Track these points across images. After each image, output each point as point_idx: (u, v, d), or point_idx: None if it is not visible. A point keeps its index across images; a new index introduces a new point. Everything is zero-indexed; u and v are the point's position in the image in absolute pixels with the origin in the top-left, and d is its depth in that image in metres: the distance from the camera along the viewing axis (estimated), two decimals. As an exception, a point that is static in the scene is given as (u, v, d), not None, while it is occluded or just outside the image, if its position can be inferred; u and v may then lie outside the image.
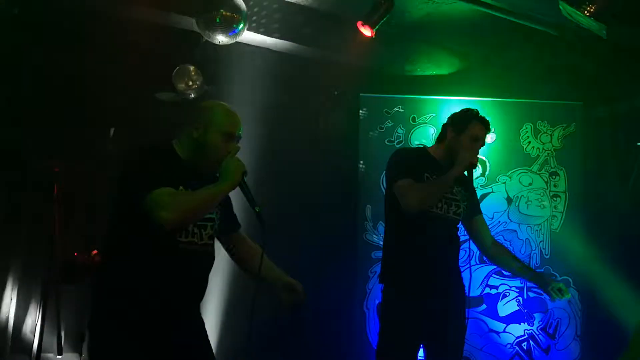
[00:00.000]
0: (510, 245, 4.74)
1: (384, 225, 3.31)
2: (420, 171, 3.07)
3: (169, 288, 2.28)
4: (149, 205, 2.17)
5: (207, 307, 4.71)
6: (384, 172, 3.34)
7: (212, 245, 2.46)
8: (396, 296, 3.03)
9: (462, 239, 4.75)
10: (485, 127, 3.17)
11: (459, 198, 3.15)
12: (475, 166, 3.12)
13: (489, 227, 4.74)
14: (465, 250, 4.75)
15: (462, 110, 3.23)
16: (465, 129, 3.13)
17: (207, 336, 2.48)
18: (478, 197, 3.57)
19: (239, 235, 2.70)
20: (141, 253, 2.28)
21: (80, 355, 4.65)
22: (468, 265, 4.68)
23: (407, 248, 3.06)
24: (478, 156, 3.19)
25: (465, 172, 3.13)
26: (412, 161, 3.14)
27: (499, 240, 4.91)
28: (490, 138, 4.88)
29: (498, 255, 3.40)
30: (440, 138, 3.26)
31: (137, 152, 2.37)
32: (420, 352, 3.07)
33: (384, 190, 3.42)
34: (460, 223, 3.23)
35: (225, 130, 2.38)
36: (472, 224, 3.32)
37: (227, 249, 2.71)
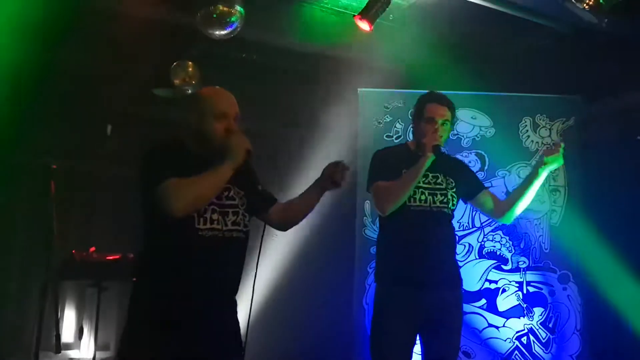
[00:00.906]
0: (509, 239, 4.74)
1: (383, 221, 3.28)
2: (398, 169, 2.99)
3: (193, 278, 2.27)
4: (156, 199, 2.21)
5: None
6: None
7: (241, 230, 2.38)
8: (389, 291, 2.99)
9: (463, 231, 4.88)
10: (440, 104, 3.03)
11: (445, 186, 3.05)
12: (438, 147, 2.94)
13: (489, 221, 4.79)
14: (465, 245, 4.78)
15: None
16: (421, 114, 3.05)
17: (234, 330, 2.40)
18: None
19: (276, 208, 2.61)
20: (162, 246, 2.31)
21: (80, 352, 4.65)
22: (467, 260, 4.74)
23: (396, 244, 3.01)
24: (441, 136, 3.01)
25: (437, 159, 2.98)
26: (386, 162, 3.07)
27: (496, 235, 5.01)
28: (489, 132, 4.89)
29: (504, 212, 3.19)
30: (412, 130, 3.21)
31: (145, 151, 2.38)
32: (418, 350, 3.04)
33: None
34: (452, 213, 3.10)
35: (216, 111, 2.36)
36: (477, 202, 3.21)
37: (273, 226, 2.64)
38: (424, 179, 3.00)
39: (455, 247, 3.16)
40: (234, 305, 2.43)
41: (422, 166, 2.91)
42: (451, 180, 3.07)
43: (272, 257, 5.15)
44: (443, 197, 3.02)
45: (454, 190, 3.06)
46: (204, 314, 2.28)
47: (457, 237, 3.28)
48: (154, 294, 2.28)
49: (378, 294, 3.05)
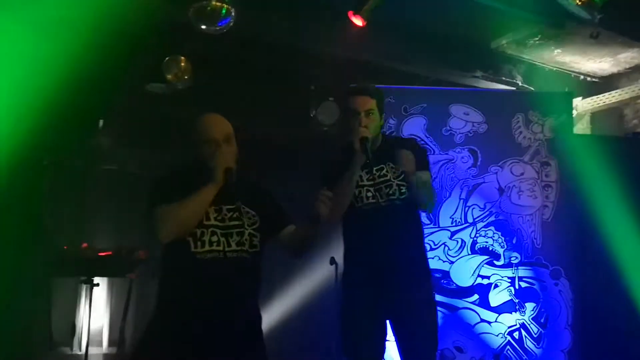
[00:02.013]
0: (501, 235, 4.76)
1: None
2: (341, 172, 2.85)
3: (197, 299, 2.29)
4: (150, 226, 2.30)
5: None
6: None
7: (246, 251, 2.37)
8: (352, 288, 2.93)
9: (455, 227, 4.89)
10: (361, 94, 2.89)
11: (389, 177, 2.89)
12: (365, 139, 2.79)
13: (481, 217, 4.80)
14: (457, 241, 4.79)
15: None
16: (346, 109, 2.95)
17: (251, 343, 2.38)
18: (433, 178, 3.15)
19: (287, 231, 2.53)
20: (167, 267, 2.39)
21: (72, 348, 4.64)
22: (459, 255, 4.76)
23: (353, 244, 2.95)
24: (367, 128, 2.84)
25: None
26: (328, 169, 2.94)
27: (489, 230, 5.02)
28: (481, 128, 4.90)
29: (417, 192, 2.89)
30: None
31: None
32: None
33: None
34: (405, 202, 2.90)
35: (203, 138, 2.40)
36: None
37: (285, 250, 2.56)
38: (367, 176, 2.90)
39: (418, 238, 2.98)
40: (248, 321, 2.39)
41: (358, 165, 2.81)
42: (393, 167, 2.91)
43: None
44: (388, 189, 2.88)
45: (401, 177, 2.89)
46: (214, 331, 2.27)
47: (421, 227, 3.03)
48: (166, 309, 2.35)
49: (344, 291, 2.99)
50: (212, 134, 2.40)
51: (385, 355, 2.94)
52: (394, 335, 2.94)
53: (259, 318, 2.45)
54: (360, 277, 2.90)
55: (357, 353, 2.87)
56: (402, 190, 2.88)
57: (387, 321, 2.93)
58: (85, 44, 4.36)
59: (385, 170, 2.91)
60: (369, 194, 2.88)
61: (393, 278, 2.84)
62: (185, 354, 2.24)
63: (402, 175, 2.88)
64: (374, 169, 2.90)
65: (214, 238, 2.32)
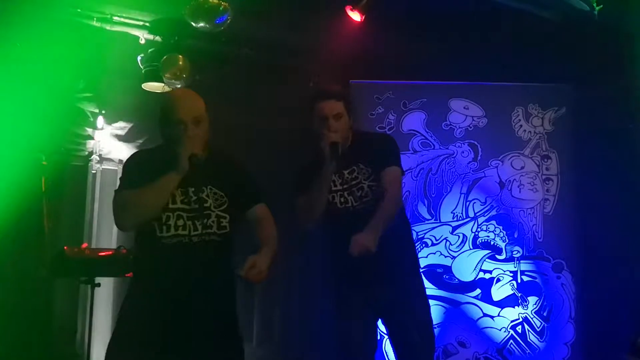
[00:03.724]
0: (503, 229, 4.76)
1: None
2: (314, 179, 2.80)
3: (163, 285, 2.24)
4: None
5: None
6: None
7: (214, 233, 2.29)
8: (338, 288, 2.93)
9: (456, 221, 4.87)
10: (327, 98, 2.81)
11: (360, 179, 2.83)
12: (335, 144, 2.72)
13: (482, 211, 4.80)
14: (459, 236, 4.79)
15: None
16: (314, 115, 2.83)
17: (223, 327, 2.33)
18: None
19: (253, 214, 2.43)
20: (137, 254, 2.39)
21: (74, 349, 4.63)
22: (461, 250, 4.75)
23: (336, 250, 2.87)
24: (338, 133, 2.77)
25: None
26: (305, 174, 2.89)
27: (490, 225, 5.02)
28: (480, 122, 4.90)
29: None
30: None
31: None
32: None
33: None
34: None
35: (170, 119, 2.29)
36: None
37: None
38: (340, 181, 2.84)
39: (400, 235, 2.90)
40: (219, 305, 2.33)
41: (325, 178, 2.75)
42: (368, 169, 2.85)
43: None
44: (360, 191, 2.82)
45: (371, 178, 2.83)
46: (182, 316, 2.23)
47: (403, 225, 2.98)
48: (135, 295, 2.33)
49: (333, 295, 2.98)
50: (180, 115, 2.27)
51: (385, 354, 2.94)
52: (387, 333, 2.94)
53: (234, 301, 2.39)
54: (346, 280, 2.87)
55: (347, 353, 2.85)
56: (375, 191, 2.82)
57: (379, 320, 2.93)
58: (84, 43, 4.37)
59: (356, 172, 2.86)
60: (342, 199, 2.84)
61: (378, 278, 2.81)
62: (152, 338, 2.20)
63: (373, 176, 2.84)
64: (345, 172, 2.86)
65: (180, 222, 2.25)
